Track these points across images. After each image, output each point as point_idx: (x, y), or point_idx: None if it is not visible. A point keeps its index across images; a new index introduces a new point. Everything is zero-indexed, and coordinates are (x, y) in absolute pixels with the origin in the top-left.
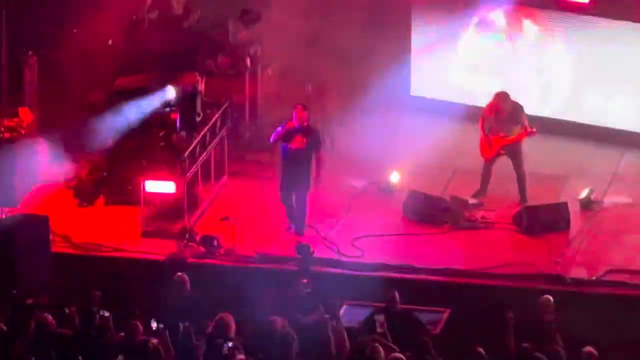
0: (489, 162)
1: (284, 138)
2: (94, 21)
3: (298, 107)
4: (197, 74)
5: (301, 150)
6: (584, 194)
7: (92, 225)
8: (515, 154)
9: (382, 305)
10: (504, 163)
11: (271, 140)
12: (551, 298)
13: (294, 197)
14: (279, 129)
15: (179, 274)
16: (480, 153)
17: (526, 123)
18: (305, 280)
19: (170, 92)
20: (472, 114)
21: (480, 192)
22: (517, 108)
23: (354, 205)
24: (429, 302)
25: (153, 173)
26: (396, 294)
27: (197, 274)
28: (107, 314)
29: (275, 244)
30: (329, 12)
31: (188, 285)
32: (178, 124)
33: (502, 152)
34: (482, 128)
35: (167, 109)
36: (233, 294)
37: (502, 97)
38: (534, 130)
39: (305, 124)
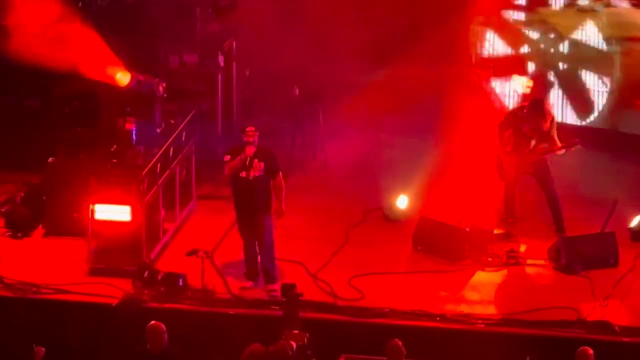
0: (510, 184)
1: (239, 169)
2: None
3: (250, 128)
4: (157, 74)
5: (259, 178)
6: (635, 221)
7: (29, 261)
8: (541, 171)
9: (385, 359)
10: (528, 183)
11: (227, 174)
12: (590, 350)
13: (256, 240)
14: (228, 157)
15: (153, 322)
16: (498, 173)
17: (555, 138)
18: (296, 331)
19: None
20: None
21: (506, 220)
22: (549, 114)
23: (352, 236)
24: (442, 356)
25: (104, 196)
26: (400, 344)
27: (158, 321)
28: None
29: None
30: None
31: (165, 335)
32: (134, 137)
33: (528, 170)
34: (503, 141)
35: (121, 118)
36: (201, 346)
37: (534, 111)
38: (577, 141)
39: (257, 147)
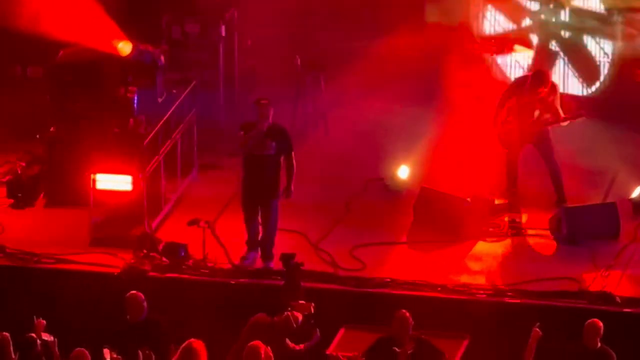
0: (513, 154)
1: (253, 145)
2: None
3: (262, 103)
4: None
5: (269, 157)
6: (637, 192)
7: (30, 231)
8: (542, 141)
9: (389, 329)
10: (531, 153)
11: (240, 148)
12: (600, 323)
13: (259, 215)
14: (242, 133)
15: (133, 291)
16: (500, 143)
17: (559, 110)
18: (302, 302)
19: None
20: None
21: (508, 190)
22: (553, 89)
23: (353, 206)
24: (446, 326)
25: (105, 166)
26: (407, 315)
27: (159, 290)
28: (50, 338)
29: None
30: None
31: (145, 304)
32: (136, 106)
33: (531, 140)
34: (503, 110)
35: (123, 87)
36: (203, 316)
37: (536, 81)
38: (582, 112)
39: (271, 123)
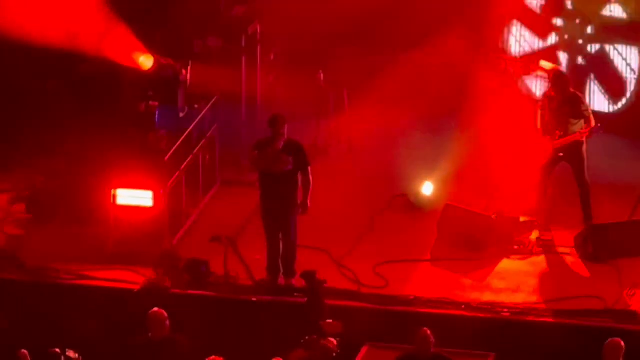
0: (544, 169)
1: (269, 163)
2: None
3: (279, 120)
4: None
5: (286, 172)
6: None
7: (49, 246)
8: (575, 157)
9: (411, 347)
10: (563, 170)
11: (256, 167)
12: (622, 342)
13: (280, 232)
14: (255, 153)
15: (156, 309)
16: (534, 157)
17: (590, 117)
18: (330, 321)
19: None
20: None
21: (535, 207)
22: (575, 96)
23: (377, 223)
24: (469, 345)
25: (126, 181)
26: (429, 333)
27: (180, 307)
28: (75, 355)
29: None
30: None
31: (167, 322)
32: (157, 120)
33: (559, 154)
34: (539, 122)
35: (144, 101)
36: (224, 333)
37: (557, 80)
38: (599, 126)
39: (286, 139)
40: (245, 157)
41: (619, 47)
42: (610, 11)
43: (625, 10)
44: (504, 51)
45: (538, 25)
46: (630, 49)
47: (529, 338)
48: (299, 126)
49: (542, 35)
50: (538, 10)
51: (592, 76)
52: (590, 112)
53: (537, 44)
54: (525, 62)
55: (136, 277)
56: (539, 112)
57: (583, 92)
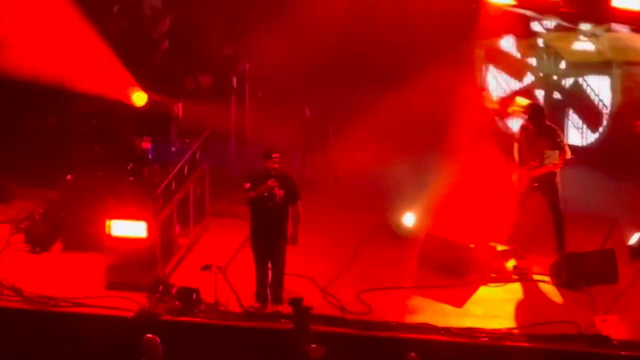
0: (520, 199)
1: (262, 198)
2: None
3: (276, 155)
4: (172, 95)
5: (278, 205)
6: (634, 239)
7: (48, 276)
8: (548, 188)
9: None
10: (538, 201)
11: (249, 201)
12: None
13: (269, 260)
14: (248, 185)
15: (149, 335)
16: (511, 187)
17: (566, 149)
18: (314, 345)
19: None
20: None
21: (512, 236)
22: (551, 129)
23: (361, 251)
24: None
25: (120, 212)
26: (416, 358)
27: (172, 334)
28: None
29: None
30: (332, 24)
31: (160, 348)
32: (150, 155)
33: (534, 185)
34: (517, 154)
35: (137, 138)
36: (216, 358)
37: (534, 113)
38: (573, 158)
39: (278, 172)
40: (236, 190)
41: (591, 80)
42: (581, 46)
43: (594, 44)
44: (483, 89)
45: (513, 67)
46: (600, 81)
47: None
48: (286, 159)
49: (518, 75)
50: (513, 52)
51: (570, 110)
52: (566, 144)
53: (513, 84)
54: (503, 104)
55: (130, 304)
56: (516, 144)
57: (560, 126)
